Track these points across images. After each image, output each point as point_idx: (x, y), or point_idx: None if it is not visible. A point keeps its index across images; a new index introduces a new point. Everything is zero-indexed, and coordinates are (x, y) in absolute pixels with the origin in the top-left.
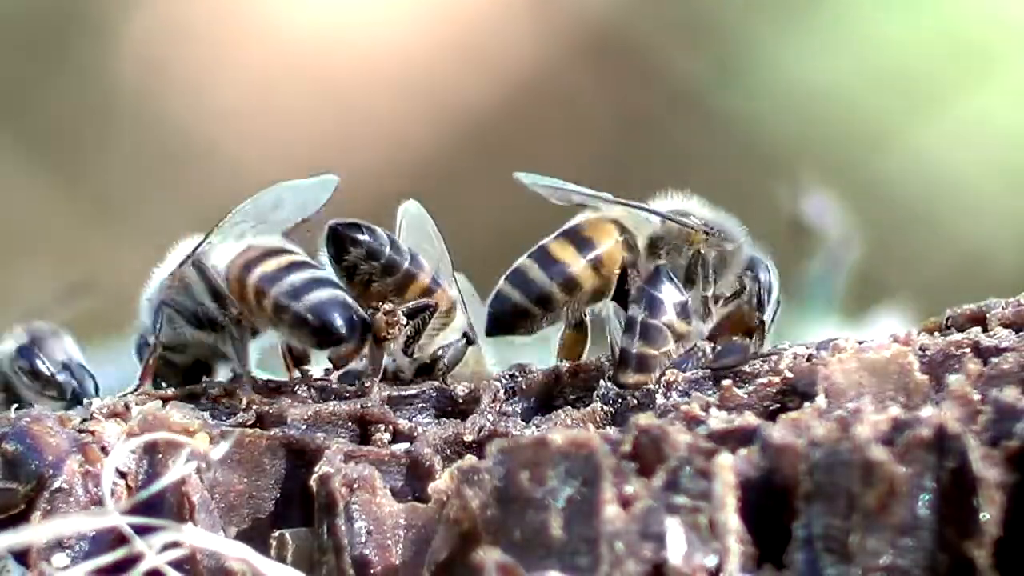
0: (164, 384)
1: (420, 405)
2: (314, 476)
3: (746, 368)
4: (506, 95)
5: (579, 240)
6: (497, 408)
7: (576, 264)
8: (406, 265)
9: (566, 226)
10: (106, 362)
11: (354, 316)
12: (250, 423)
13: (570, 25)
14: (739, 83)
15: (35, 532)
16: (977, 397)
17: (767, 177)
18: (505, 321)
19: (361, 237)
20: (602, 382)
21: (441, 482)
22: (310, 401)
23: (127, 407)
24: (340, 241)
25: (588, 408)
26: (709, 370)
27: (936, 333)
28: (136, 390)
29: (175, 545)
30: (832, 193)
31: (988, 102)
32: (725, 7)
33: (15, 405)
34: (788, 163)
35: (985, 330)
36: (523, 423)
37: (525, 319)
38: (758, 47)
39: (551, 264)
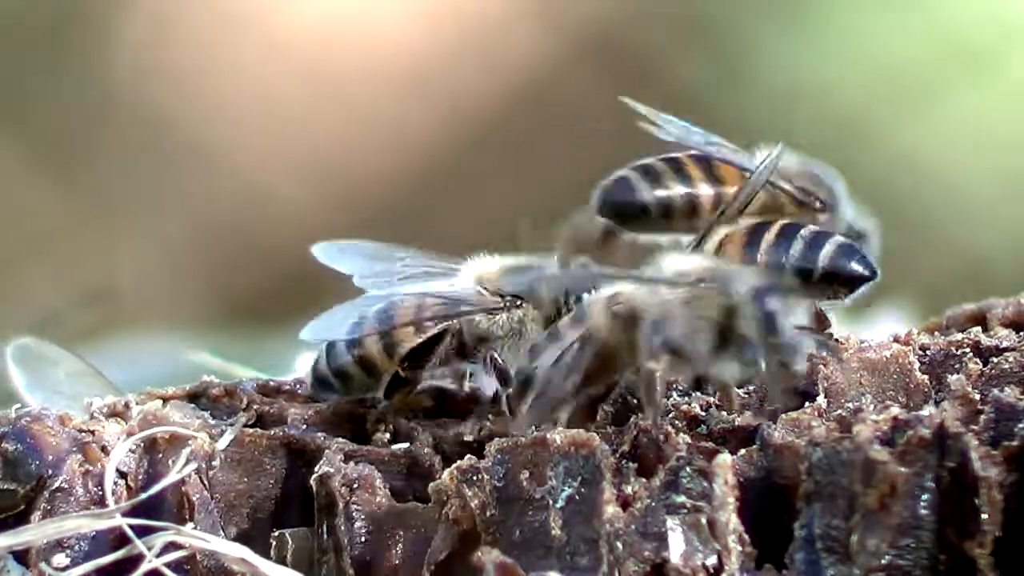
0: None
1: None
2: (314, 476)
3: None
4: (510, 96)
5: None
6: (497, 408)
7: None
8: None
9: None
10: (106, 363)
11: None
12: (250, 423)
13: (573, 26)
14: (739, 84)
15: (35, 532)
16: (977, 397)
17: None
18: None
19: None
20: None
21: (441, 482)
22: (310, 401)
23: (127, 406)
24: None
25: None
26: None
27: (936, 333)
28: None
29: (175, 545)
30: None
31: (985, 102)
32: (725, 10)
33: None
34: None
35: (985, 330)
36: None
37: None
38: (758, 49)
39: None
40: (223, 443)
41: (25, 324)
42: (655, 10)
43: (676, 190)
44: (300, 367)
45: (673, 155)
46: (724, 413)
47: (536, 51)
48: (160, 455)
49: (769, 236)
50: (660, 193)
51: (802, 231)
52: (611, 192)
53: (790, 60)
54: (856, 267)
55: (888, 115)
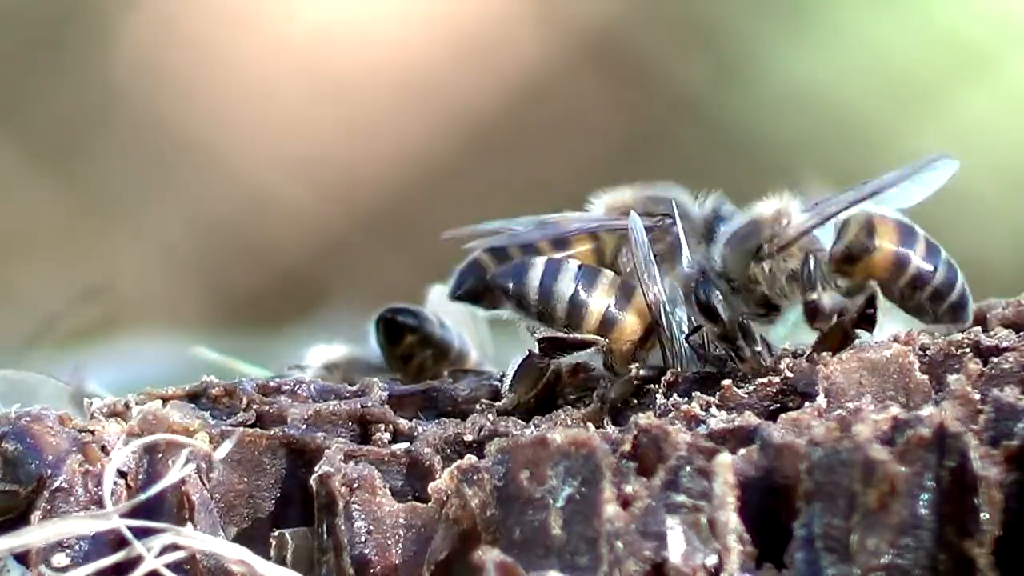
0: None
1: (420, 405)
2: (314, 476)
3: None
4: (509, 98)
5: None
6: (497, 408)
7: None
8: (456, 345)
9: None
10: (106, 362)
11: None
12: (250, 423)
13: (573, 29)
14: (740, 87)
15: (35, 535)
16: (977, 397)
17: (768, 179)
18: (472, 291)
19: (414, 323)
20: (602, 382)
21: (441, 482)
22: (310, 401)
23: (127, 406)
24: (396, 329)
25: (588, 408)
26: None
27: (936, 333)
28: None
29: (175, 546)
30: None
31: (986, 104)
32: (726, 12)
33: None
34: (789, 166)
35: (985, 330)
36: (523, 423)
37: (492, 297)
38: (759, 52)
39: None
40: (220, 453)
41: (23, 326)
42: (656, 14)
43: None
44: (312, 358)
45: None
46: (724, 413)
47: (536, 54)
48: (160, 455)
49: (920, 247)
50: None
51: (942, 253)
52: (463, 275)
53: (791, 63)
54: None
55: (889, 117)
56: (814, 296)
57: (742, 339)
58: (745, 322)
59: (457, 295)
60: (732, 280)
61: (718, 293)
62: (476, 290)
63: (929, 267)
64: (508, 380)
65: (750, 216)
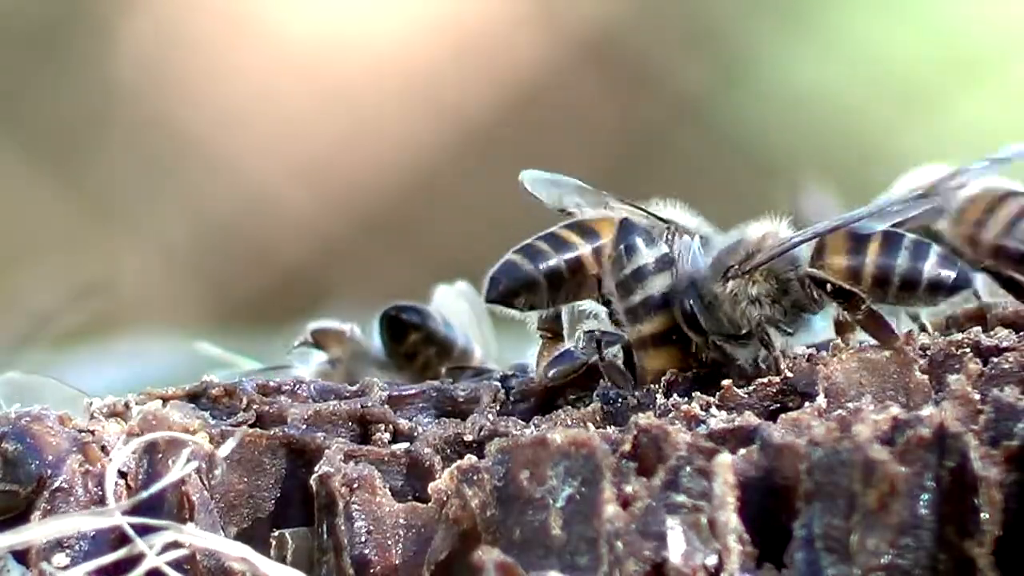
0: None
1: (420, 405)
2: (314, 476)
3: (747, 367)
4: (510, 100)
5: (585, 230)
6: (497, 408)
7: (583, 248)
8: (460, 343)
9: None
10: (106, 362)
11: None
12: (250, 423)
13: (574, 32)
14: (740, 90)
15: (36, 531)
16: (977, 397)
17: (768, 182)
18: (510, 289)
19: (418, 321)
20: (602, 382)
21: (441, 482)
22: (310, 401)
23: (127, 407)
24: (400, 326)
25: (588, 408)
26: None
27: (936, 333)
28: None
29: (175, 545)
30: (832, 197)
31: (983, 107)
32: (726, 15)
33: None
34: (788, 168)
35: (985, 330)
36: (523, 423)
37: (530, 292)
38: (759, 54)
39: (562, 245)
40: (224, 452)
41: (24, 325)
42: (657, 16)
43: (558, 258)
44: (308, 333)
45: (547, 231)
46: (724, 413)
47: (537, 58)
48: (160, 455)
49: (874, 246)
50: (544, 265)
51: (904, 241)
52: (498, 276)
53: (790, 65)
54: (958, 276)
55: (889, 119)
56: (775, 352)
57: (727, 347)
58: (719, 340)
59: (493, 298)
60: (705, 295)
61: (700, 304)
62: (513, 290)
63: (890, 263)
64: (542, 364)
65: (739, 236)
